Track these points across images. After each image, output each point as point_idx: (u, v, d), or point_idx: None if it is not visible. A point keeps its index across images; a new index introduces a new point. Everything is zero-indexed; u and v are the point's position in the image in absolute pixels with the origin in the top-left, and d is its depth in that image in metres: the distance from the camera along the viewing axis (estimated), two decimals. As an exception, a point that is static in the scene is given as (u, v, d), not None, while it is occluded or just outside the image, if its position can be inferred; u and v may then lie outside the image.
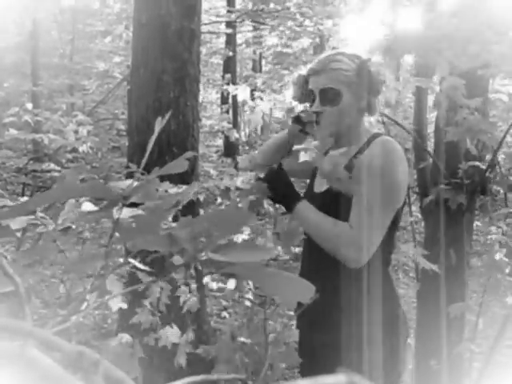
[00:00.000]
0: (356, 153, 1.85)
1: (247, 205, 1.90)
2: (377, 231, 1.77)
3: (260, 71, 15.87)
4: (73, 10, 9.75)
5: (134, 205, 0.67)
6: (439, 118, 3.25)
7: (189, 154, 0.72)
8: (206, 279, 2.22)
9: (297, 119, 1.99)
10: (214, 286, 2.29)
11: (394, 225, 1.87)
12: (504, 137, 2.95)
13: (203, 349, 1.89)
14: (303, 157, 1.83)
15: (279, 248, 1.82)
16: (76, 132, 5.09)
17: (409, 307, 5.02)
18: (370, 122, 2.02)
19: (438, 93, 2.89)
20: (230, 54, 10.34)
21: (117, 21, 9.42)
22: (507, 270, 2.57)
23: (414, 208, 4.24)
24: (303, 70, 2.02)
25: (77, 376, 0.50)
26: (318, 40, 13.33)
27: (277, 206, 2.07)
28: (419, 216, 4.19)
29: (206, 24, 9.75)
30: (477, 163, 3.06)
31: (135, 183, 0.60)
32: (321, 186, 1.94)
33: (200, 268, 0.68)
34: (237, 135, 7.57)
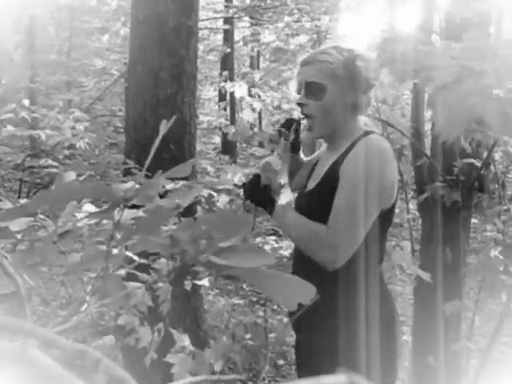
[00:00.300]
0: (344, 152, 1.83)
1: (239, 208, 1.92)
2: (356, 233, 1.74)
3: (258, 68, 15.85)
4: (70, 7, 9.72)
5: (135, 206, 0.67)
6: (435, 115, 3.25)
7: (192, 161, 0.73)
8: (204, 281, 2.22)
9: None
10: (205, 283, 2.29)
11: (386, 223, 1.86)
12: (500, 134, 2.95)
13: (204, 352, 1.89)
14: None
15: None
16: (73, 128, 5.08)
17: (406, 304, 5.04)
18: (366, 122, 1.99)
19: (432, 92, 2.89)
20: (228, 50, 10.33)
21: (114, 17, 9.40)
22: (501, 268, 2.58)
23: (411, 205, 4.25)
24: None
25: (77, 375, 0.50)
26: (315, 36, 13.32)
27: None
28: (416, 213, 4.20)
29: (203, 20, 9.73)
30: (472, 160, 3.06)
31: (137, 185, 0.61)
32: (311, 185, 1.95)
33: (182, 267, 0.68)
34: (234, 131, 7.57)
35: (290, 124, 2.01)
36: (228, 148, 12.04)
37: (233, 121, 11.74)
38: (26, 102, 5.73)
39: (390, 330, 1.85)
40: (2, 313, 0.79)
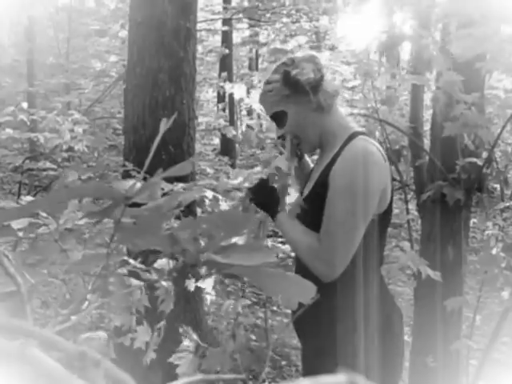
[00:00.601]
0: (332, 158, 1.82)
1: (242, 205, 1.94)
2: (347, 245, 1.73)
3: (256, 69, 15.86)
4: (69, 9, 9.73)
5: (136, 205, 0.67)
6: (436, 114, 3.26)
7: (192, 160, 0.73)
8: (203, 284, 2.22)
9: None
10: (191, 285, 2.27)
11: (384, 225, 1.86)
12: (501, 132, 2.95)
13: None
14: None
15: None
16: (72, 131, 5.08)
17: (406, 304, 5.04)
18: (344, 117, 1.99)
19: (436, 89, 2.89)
20: (226, 51, 10.33)
21: (112, 20, 9.40)
22: (503, 265, 2.58)
23: (410, 206, 4.25)
24: None
25: (78, 376, 0.50)
26: (314, 37, 13.35)
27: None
28: (416, 214, 4.20)
29: (201, 22, 9.74)
30: (474, 159, 3.06)
31: (138, 184, 0.61)
32: (306, 192, 1.95)
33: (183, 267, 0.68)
34: (233, 133, 7.57)
35: None
36: (227, 149, 12.04)
37: (232, 122, 11.75)
38: (25, 105, 5.74)
39: (391, 333, 1.84)
40: (3, 312, 0.79)
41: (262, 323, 5.02)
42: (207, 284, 2.20)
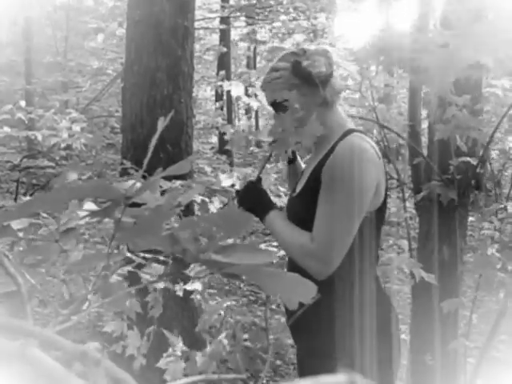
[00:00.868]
0: (325, 154, 1.81)
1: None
2: (340, 242, 1.73)
3: (254, 68, 15.86)
4: (66, 8, 9.72)
5: (136, 205, 0.67)
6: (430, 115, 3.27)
7: (191, 158, 0.73)
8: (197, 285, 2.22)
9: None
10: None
11: (378, 222, 1.85)
12: (494, 132, 2.95)
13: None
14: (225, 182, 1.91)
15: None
16: (70, 129, 5.08)
17: (404, 303, 5.04)
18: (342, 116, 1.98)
19: (427, 91, 2.90)
20: (224, 49, 10.33)
21: (110, 18, 9.39)
22: (498, 266, 2.58)
23: (408, 204, 4.26)
24: None
25: (78, 375, 0.50)
26: (311, 35, 13.35)
27: None
28: (414, 212, 4.21)
29: (199, 20, 9.73)
30: (468, 159, 3.06)
31: (138, 184, 0.61)
32: (298, 188, 1.95)
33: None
34: (232, 131, 7.55)
35: None
36: (225, 147, 12.03)
37: (230, 120, 11.75)
38: (23, 103, 5.73)
39: (387, 331, 1.84)
40: (3, 312, 0.79)
41: (261, 322, 5.02)
42: (196, 286, 2.20)
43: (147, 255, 1.42)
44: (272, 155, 2.01)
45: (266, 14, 10.67)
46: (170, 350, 1.94)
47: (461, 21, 2.05)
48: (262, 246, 4.37)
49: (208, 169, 6.56)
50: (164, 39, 3.75)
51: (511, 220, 4.09)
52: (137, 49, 3.80)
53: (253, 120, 17.16)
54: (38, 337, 0.53)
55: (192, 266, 1.98)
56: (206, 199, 2.38)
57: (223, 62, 12.44)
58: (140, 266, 1.58)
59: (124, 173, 3.61)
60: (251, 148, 13.05)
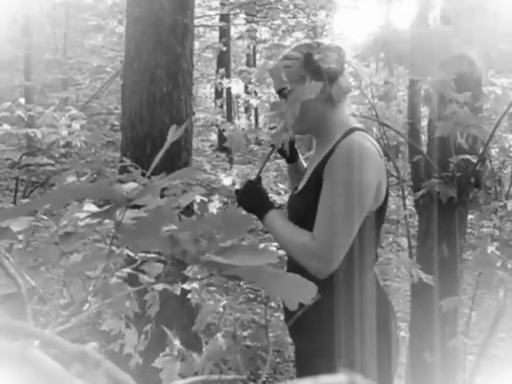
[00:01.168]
0: (328, 152, 1.80)
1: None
2: (341, 241, 1.72)
3: (254, 65, 15.85)
4: (66, 5, 9.71)
5: (136, 206, 0.67)
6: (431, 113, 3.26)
7: (195, 166, 0.73)
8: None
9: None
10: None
11: (378, 222, 1.85)
12: (494, 130, 2.95)
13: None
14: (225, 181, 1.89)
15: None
16: (69, 127, 5.07)
17: (403, 300, 5.05)
18: (348, 116, 1.96)
19: (428, 87, 2.89)
20: (224, 48, 10.32)
21: (110, 15, 9.39)
22: (498, 264, 2.58)
23: (407, 201, 4.26)
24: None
25: (79, 376, 0.50)
26: (311, 33, 13.33)
27: None
28: (413, 209, 4.21)
29: (198, 17, 9.72)
30: (467, 156, 3.06)
31: (140, 186, 0.61)
32: (300, 186, 1.94)
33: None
34: (231, 128, 7.55)
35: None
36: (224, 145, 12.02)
37: (229, 118, 11.74)
38: (22, 101, 5.72)
39: (386, 330, 1.84)
40: (3, 313, 0.79)
41: (260, 319, 5.03)
42: (194, 285, 2.20)
43: (148, 255, 1.42)
44: (273, 152, 2.00)
45: (266, 11, 10.66)
46: (167, 349, 1.93)
47: (460, 17, 2.05)
48: (261, 245, 4.37)
49: (207, 166, 6.57)
50: (163, 37, 3.75)
51: (511, 218, 4.09)
52: (136, 46, 3.79)
53: (252, 118, 17.18)
54: (38, 337, 0.53)
55: (190, 266, 1.98)
56: (205, 199, 2.37)
57: (223, 60, 12.44)
58: (140, 267, 1.58)
59: (123, 170, 3.61)
60: (251, 146, 13.04)
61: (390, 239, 7.24)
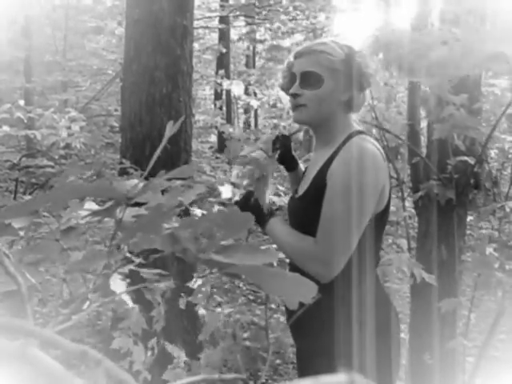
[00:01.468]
0: (331, 155, 1.78)
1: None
2: (345, 245, 1.71)
3: (254, 67, 15.85)
4: (65, 7, 9.71)
5: (137, 204, 0.67)
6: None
7: (195, 163, 0.73)
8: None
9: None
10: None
11: (381, 226, 1.84)
12: (492, 131, 2.95)
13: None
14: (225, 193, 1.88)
15: None
16: (69, 128, 5.08)
17: (403, 302, 5.05)
18: (355, 120, 1.94)
19: (426, 90, 2.90)
20: (223, 50, 10.32)
21: (109, 17, 9.40)
22: (496, 265, 2.58)
23: (407, 203, 4.26)
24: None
25: (79, 375, 0.50)
26: (311, 35, 13.34)
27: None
28: (413, 211, 4.21)
29: (198, 19, 9.72)
30: (465, 158, 3.06)
31: (141, 184, 0.61)
32: (301, 190, 1.93)
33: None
34: (230, 130, 7.56)
35: (274, 142, 1.99)
36: (224, 147, 12.03)
37: (229, 120, 11.75)
38: (22, 102, 5.73)
39: (387, 332, 1.83)
40: (3, 312, 0.79)
41: (260, 321, 5.02)
42: (199, 299, 2.20)
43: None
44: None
45: (266, 13, 10.66)
46: (175, 361, 1.93)
47: (459, 19, 2.05)
48: (262, 247, 4.36)
49: (207, 168, 6.56)
50: (163, 38, 3.75)
51: (509, 219, 4.10)
52: (136, 48, 3.79)
53: (252, 119, 17.18)
54: (38, 336, 0.53)
55: (195, 279, 1.97)
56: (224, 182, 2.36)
57: (222, 62, 12.45)
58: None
59: (123, 172, 3.61)
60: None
61: (390, 241, 7.24)
